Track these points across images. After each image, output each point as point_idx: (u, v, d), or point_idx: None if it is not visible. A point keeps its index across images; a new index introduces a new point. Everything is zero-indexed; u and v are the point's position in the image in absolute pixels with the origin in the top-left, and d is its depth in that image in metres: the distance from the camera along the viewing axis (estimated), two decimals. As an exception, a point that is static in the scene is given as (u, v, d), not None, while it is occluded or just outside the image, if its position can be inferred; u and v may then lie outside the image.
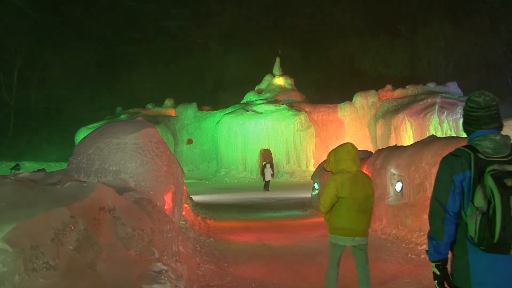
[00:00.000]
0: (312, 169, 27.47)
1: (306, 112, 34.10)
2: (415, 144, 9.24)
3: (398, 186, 9.23)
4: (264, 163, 26.37)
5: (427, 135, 11.65)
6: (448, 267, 2.43)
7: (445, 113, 29.63)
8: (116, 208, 4.65)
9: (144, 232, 4.82)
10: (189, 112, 36.66)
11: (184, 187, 8.89)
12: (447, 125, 29.65)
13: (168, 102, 38.61)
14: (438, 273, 2.40)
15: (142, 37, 54.30)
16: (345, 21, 54.87)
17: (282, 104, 33.92)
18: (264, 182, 24.47)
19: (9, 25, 43.71)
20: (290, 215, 13.20)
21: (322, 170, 14.67)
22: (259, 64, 45.72)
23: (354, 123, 35.17)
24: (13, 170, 22.81)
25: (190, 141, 36.41)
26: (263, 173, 24.77)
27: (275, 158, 32.61)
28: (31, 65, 46.02)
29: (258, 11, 56.30)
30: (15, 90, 45.40)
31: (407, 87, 34.81)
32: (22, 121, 44.65)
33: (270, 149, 33.22)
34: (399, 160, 9.21)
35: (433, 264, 2.44)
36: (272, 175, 24.92)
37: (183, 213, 9.15)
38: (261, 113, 33.34)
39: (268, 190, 23.41)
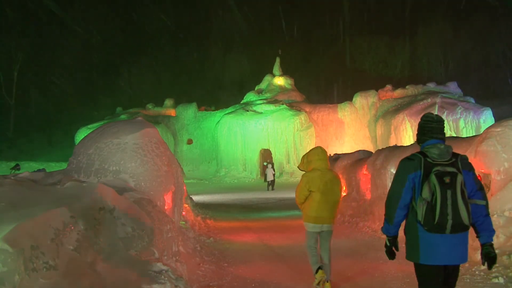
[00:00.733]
0: (312, 169, 27.42)
1: (306, 112, 34.09)
2: (415, 144, 9.23)
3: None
4: (265, 163, 26.40)
5: (427, 135, 11.63)
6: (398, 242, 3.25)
7: (445, 113, 29.63)
8: (116, 208, 4.65)
9: (144, 232, 4.82)
10: (189, 112, 36.66)
11: (184, 187, 8.89)
12: (447, 125, 29.64)
13: (168, 102, 38.62)
14: (388, 244, 3.28)
15: (142, 37, 54.30)
16: (345, 21, 54.87)
17: (282, 104, 33.92)
18: (266, 182, 24.60)
19: (9, 25, 43.73)
20: (290, 215, 13.19)
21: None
22: (259, 64, 45.74)
23: (354, 123, 35.16)
24: (13, 170, 22.84)
25: (190, 141, 36.42)
26: (265, 173, 24.85)
27: (275, 158, 32.60)
28: (31, 65, 46.01)
29: (258, 11, 56.29)
30: (15, 90, 45.40)
31: (407, 87, 34.80)
32: (22, 121, 44.66)
33: (270, 149, 33.22)
34: (399, 160, 9.19)
35: (386, 238, 3.29)
36: (274, 175, 25.04)
37: (183, 213, 9.15)
38: (261, 113, 33.33)
39: (274, 189, 23.65)
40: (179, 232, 6.81)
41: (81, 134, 29.85)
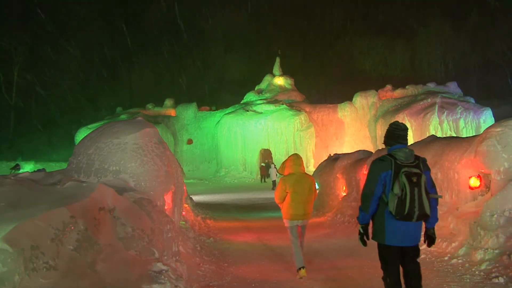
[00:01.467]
0: (312, 169, 27.44)
1: (306, 112, 34.09)
2: (415, 144, 9.20)
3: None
4: (263, 163, 26.47)
5: (427, 135, 11.63)
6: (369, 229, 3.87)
7: (445, 113, 29.64)
8: (116, 208, 4.64)
9: (144, 232, 4.82)
10: (189, 112, 36.67)
11: (184, 187, 8.89)
12: (447, 125, 29.67)
13: (168, 102, 38.64)
14: (361, 231, 3.90)
15: (143, 37, 54.30)
16: (345, 21, 54.86)
17: (282, 104, 33.92)
18: (263, 182, 24.72)
19: (10, 25, 43.71)
20: (290, 215, 13.17)
21: (322, 170, 14.68)
22: (259, 64, 45.74)
23: (354, 123, 35.16)
24: (13, 170, 22.87)
25: (190, 141, 36.43)
26: (268, 173, 25.04)
27: (275, 158, 32.59)
28: (31, 65, 46.01)
29: (259, 11, 56.29)
30: (15, 90, 45.40)
31: (407, 87, 34.81)
32: (22, 121, 44.66)
33: (270, 149, 33.22)
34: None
35: (360, 226, 3.90)
36: (277, 175, 25.17)
37: (183, 213, 9.15)
38: (261, 113, 33.34)
39: (274, 189, 23.70)
40: (179, 232, 6.80)
41: (81, 134, 29.86)
